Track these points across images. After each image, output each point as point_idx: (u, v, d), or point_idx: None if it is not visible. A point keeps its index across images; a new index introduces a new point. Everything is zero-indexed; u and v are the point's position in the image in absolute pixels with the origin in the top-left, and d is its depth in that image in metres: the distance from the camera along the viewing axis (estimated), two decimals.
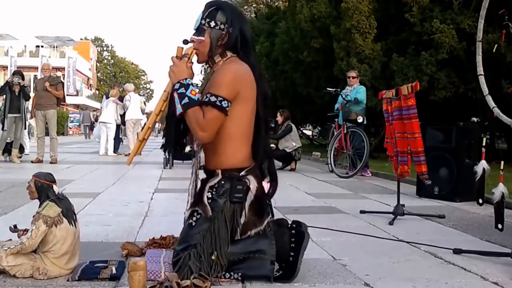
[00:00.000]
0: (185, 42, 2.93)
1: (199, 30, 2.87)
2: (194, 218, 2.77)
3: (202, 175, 2.95)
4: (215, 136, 2.75)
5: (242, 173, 2.79)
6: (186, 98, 2.72)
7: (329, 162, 9.72)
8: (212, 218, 2.70)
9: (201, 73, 3.07)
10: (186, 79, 2.78)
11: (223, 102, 2.70)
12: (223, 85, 2.73)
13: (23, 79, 11.21)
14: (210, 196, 2.76)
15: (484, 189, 3.62)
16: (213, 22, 2.84)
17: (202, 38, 2.85)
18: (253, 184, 2.79)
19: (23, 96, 10.95)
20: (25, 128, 11.33)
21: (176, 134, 2.90)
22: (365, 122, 9.49)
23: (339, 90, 9.79)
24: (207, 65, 3.01)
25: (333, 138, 9.79)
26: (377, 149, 13.09)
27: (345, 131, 9.30)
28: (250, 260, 2.73)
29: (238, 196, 2.74)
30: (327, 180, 8.47)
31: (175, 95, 2.76)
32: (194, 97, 2.73)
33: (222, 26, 2.84)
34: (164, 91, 2.89)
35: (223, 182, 2.76)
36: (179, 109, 2.73)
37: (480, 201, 3.60)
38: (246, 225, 2.75)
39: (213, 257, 2.65)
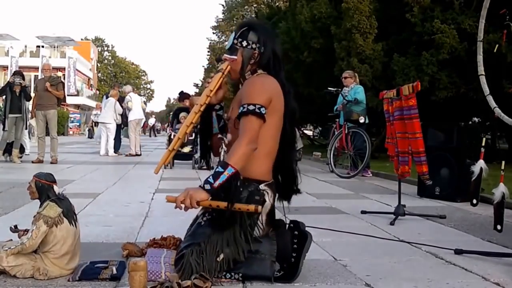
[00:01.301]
0: (219, 60, 3.06)
1: (231, 49, 2.97)
2: (205, 218, 2.79)
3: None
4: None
5: (262, 185, 2.82)
6: (223, 175, 2.59)
7: (329, 162, 9.70)
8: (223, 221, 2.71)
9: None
10: (205, 183, 2.62)
11: (261, 109, 2.74)
12: (255, 93, 2.79)
13: (23, 79, 11.21)
14: None
15: (479, 190, 3.62)
16: (245, 41, 2.94)
17: (235, 57, 2.94)
18: (269, 198, 2.85)
19: (24, 97, 10.95)
20: (26, 128, 11.33)
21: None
22: (367, 121, 9.47)
23: (340, 90, 9.76)
24: (240, 84, 3.04)
25: (333, 138, 9.77)
26: (378, 149, 13.07)
27: (346, 131, 9.29)
28: (251, 260, 2.73)
29: None
30: (328, 180, 8.47)
31: (218, 184, 2.59)
32: (220, 169, 2.61)
33: (254, 46, 2.93)
34: (196, 104, 2.91)
35: (241, 189, 2.74)
36: (230, 170, 2.60)
37: (474, 201, 3.60)
38: (262, 236, 2.81)
39: (218, 259, 2.65)
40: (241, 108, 2.77)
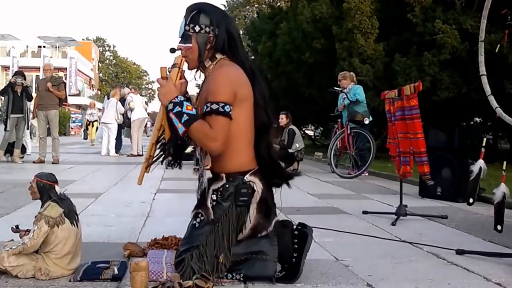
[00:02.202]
0: (172, 50, 2.88)
1: (184, 37, 2.81)
2: (198, 220, 2.75)
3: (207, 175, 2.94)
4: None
5: (247, 176, 2.76)
6: (185, 115, 2.65)
7: (330, 162, 9.68)
8: (216, 220, 2.69)
9: (195, 79, 3.00)
10: (177, 97, 2.71)
11: (225, 107, 2.65)
12: (219, 91, 2.67)
13: (25, 79, 11.21)
14: (214, 198, 2.74)
15: (477, 189, 3.61)
16: (197, 26, 2.78)
17: (190, 44, 2.79)
18: (258, 186, 2.77)
19: (26, 97, 10.95)
20: (27, 129, 11.33)
21: (179, 151, 2.87)
22: (371, 119, 9.47)
23: (343, 89, 9.70)
24: (199, 71, 2.94)
25: (334, 138, 9.75)
26: (379, 149, 13.04)
27: (348, 132, 9.27)
28: (252, 260, 2.72)
29: (243, 199, 2.72)
30: (330, 181, 8.47)
31: (172, 116, 2.68)
32: (192, 112, 2.67)
33: (207, 29, 2.78)
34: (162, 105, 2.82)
35: (227, 185, 2.73)
36: (181, 128, 2.65)
37: (471, 200, 3.59)
38: (255, 228, 2.74)
39: (220, 259, 2.64)
40: (205, 107, 2.68)
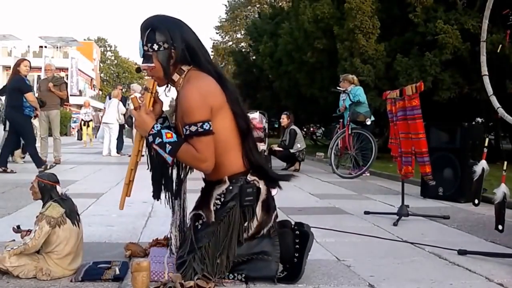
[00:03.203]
0: (138, 70, 2.89)
1: (146, 57, 2.77)
2: (200, 221, 2.75)
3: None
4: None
5: (249, 176, 2.76)
6: (167, 145, 2.64)
7: (330, 163, 9.67)
8: (218, 222, 2.69)
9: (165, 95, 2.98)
10: (153, 127, 2.70)
11: (204, 125, 2.61)
12: (194, 110, 2.61)
13: None
14: (218, 203, 2.73)
15: (481, 190, 3.61)
16: (155, 45, 2.74)
17: (152, 64, 2.76)
18: (262, 184, 2.78)
19: None
20: None
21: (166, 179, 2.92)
22: (373, 119, 9.48)
23: (346, 89, 9.69)
24: (169, 87, 2.91)
25: (335, 138, 9.77)
26: (381, 150, 13.04)
27: (349, 132, 9.27)
28: (253, 261, 2.71)
29: (249, 199, 2.72)
30: (331, 181, 8.46)
31: (155, 147, 2.68)
32: (173, 139, 2.65)
33: (166, 46, 2.73)
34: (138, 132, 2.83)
35: (231, 187, 2.73)
36: (168, 158, 2.66)
37: (476, 201, 3.59)
38: (260, 225, 2.74)
39: (218, 261, 2.64)
40: (184, 130, 2.64)
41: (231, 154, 2.76)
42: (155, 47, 2.74)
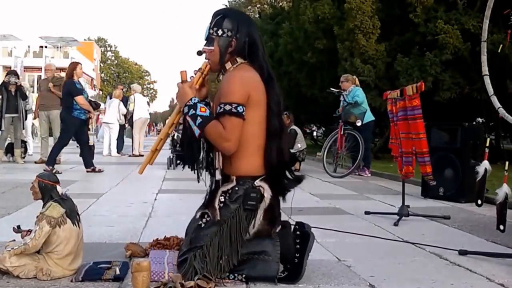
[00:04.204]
0: (199, 53, 2.96)
1: (208, 40, 2.91)
2: (204, 220, 2.77)
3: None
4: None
5: (257, 181, 2.78)
6: (199, 117, 2.73)
7: (323, 163, 9.73)
8: (222, 222, 2.70)
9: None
10: (191, 99, 2.78)
11: (238, 108, 2.70)
12: (232, 91, 2.73)
13: (18, 78, 11.17)
14: (222, 200, 2.76)
15: (484, 190, 3.61)
16: (220, 30, 2.86)
17: (212, 47, 2.87)
18: (267, 193, 2.79)
19: (20, 96, 10.90)
20: (23, 128, 11.27)
21: (196, 153, 2.91)
22: (372, 119, 9.52)
23: (341, 91, 9.75)
24: (221, 74, 3.00)
25: (328, 138, 9.89)
26: (381, 150, 13.06)
27: (342, 132, 9.35)
28: (254, 261, 2.71)
29: (251, 203, 2.74)
30: (332, 181, 8.46)
31: (188, 118, 2.78)
32: (205, 114, 2.74)
33: (229, 34, 2.86)
34: (177, 104, 2.91)
35: (237, 188, 2.76)
36: (196, 131, 2.74)
37: (479, 202, 3.59)
38: (259, 233, 2.76)
39: (221, 262, 2.64)
40: (218, 108, 2.74)
41: (249, 151, 2.80)
42: (220, 32, 2.87)
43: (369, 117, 9.52)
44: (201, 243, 2.67)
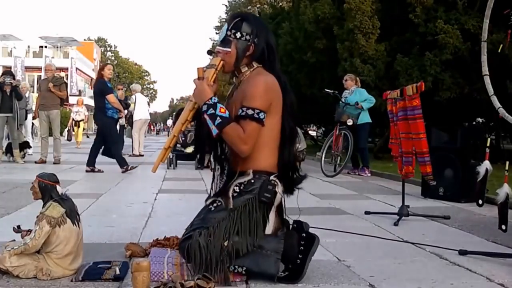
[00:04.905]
0: (209, 52, 2.98)
1: (225, 41, 2.91)
2: (215, 205, 2.81)
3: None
4: None
5: (272, 177, 2.83)
6: (218, 118, 2.74)
7: (320, 162, 9.74)
8: (233, 209, 2.74)
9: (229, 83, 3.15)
10: (211, 98, 2.79)
11: (260, 114, 2.75)
12: (257, 97, 2.76)
13: (14, 78, 11.15)
14: (237, 190, 2.80)
15: (485, 190, 3.61)
16: (239, 33, 2.88)
17: (229, 49, 2.89)
18: (280, 189, 2.85)
19: (15, 96, 10.88)
20: (17, 128, 11.24)
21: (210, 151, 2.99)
22: (368, 121, 9.53)
23: (337, 92, 9.76)
24: (233, 76, 3.03)
25: (327, 138, 9.94)
26: (381, 150, 13.05)
27: (337, 132, 9.37)
28: (255, 254, 2.72)
29: (267, 196, 2.79)
30: (332, 181, 8.46)
31: (206, 117, 2.77)
32: (225, 115, 2.76)
33: (248, 37, 2.88)
34: (190, 101, 2.91)
35: (253, 181, 2.80)
36: (214, 130, 2.74)
37: (480, 202, 3.59)
38: (275, 231, 2.83)
39: (225, 243, 2.66)
40: (240, 110, 2.77)
41: (265, 151, 2.85)
42: (238, 35, 2.88)
43: (366, 119, 9.52)
44: (207, 224, 2.71)
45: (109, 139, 9.50)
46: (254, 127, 2.75)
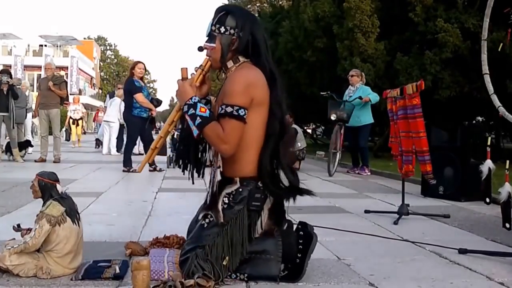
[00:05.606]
0: (200, 49, 2.90)
1: (210, 37, 2.83)
2: (207, 220, 2.74)
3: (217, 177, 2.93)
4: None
5: (260, 182, 2.76)
6: (198, 118, 2.67)
7: (328, 162, 9.67)
8: (225, 223, 2.69)
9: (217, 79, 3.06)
10: (191, 98, 2.73)
11: (240, 111, 2.65)
12: (236, 93, 2.67)
13: (11, 77, 11.10)
14: (226, 201, 2.74)
15: (491, 188, 3.61)
16: (222, 27, 2.79)
17: (213, 45, 2.81)
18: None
19: (12, 95, 10.84)
20: (12, 127, 11.19)
21: (194, 154, 2.91)
22: (369, 122, 9.51)
23: (329, 92, 9.63)
24: (221, 72, 2.95)
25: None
26: (381, 149, 13.05)
27: (341, 131, 9.32)
28: (256, 260, 2.71)
29: (256, 204, 2.73)
30: (331, 180, 8.46)
31: (187, 117, 2.72)
32: (205, 114, 2.68)
33: (232, 31, 2.79)
34: (177, 101, 2.87)
35: (241, 190, 2.74)
36: (195, 131, 2.69)
37: (488, 200, 3.59)
38: (266, 233, 2.77)
39: (224, 262, 2.63)
40: (220, 108, 2.69)
41: (251, 153, 2.76)
42: (222, 29, 2.80)
43: (369, 119, 9.47)
44: (203, 243, 2.66)
45: (129, 136, 9.68)
46: (233, 125, 2.65)
